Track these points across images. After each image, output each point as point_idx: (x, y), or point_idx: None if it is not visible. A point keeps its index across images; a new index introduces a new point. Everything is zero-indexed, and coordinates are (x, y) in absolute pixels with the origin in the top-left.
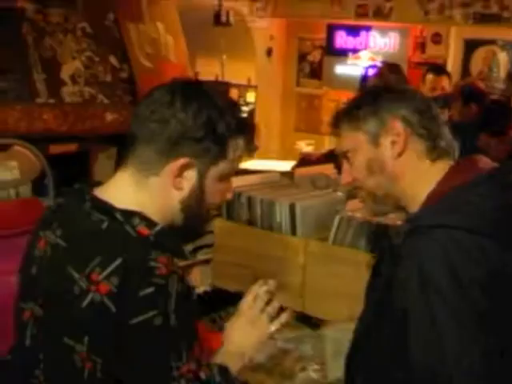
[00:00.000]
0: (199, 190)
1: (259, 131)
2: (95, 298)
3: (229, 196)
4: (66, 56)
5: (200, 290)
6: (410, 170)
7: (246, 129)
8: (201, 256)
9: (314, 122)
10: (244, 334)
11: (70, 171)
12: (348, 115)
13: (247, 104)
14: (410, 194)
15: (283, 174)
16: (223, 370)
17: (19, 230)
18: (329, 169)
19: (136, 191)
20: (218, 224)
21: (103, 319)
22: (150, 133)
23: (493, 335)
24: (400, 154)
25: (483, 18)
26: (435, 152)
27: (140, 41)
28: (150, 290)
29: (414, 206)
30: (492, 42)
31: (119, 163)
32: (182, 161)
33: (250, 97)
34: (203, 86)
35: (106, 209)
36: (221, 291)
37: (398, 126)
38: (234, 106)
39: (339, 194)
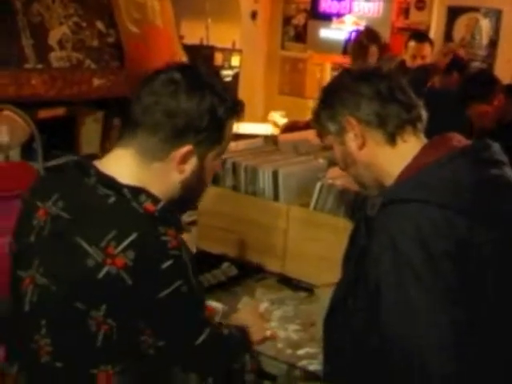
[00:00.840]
0: (199, 171)
1: (243, 95)
2: (111, 270)
3: (218, 169)
4: (54, 21)
5: None
6: (378, 156)
7: (239, 108)
8: (186, 218)
9: (298, 85)
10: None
11: (58, 135)
12: (315, 122)
13: (232, 68)
14: (386, 175)
15: (267, 137)
16: (240, 328)
17: (13, 193)
18: (312, 134)
19: (138, 171)
20: None
21: (120, 290)
22: (155, 122)
23: (462, 307)
24: (363, 146)
25: None
26: (390, 136)
27: (127, 6)
28: (170, 262)
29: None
30: (475, 9)
31: (106, 127)
32: (186, 148)
33: (235, 61)
34: (201, 71)
35: (113, 184)
36: (205, 253)
37: (352, 121)
38: (227, 88)
39: (321, 160)
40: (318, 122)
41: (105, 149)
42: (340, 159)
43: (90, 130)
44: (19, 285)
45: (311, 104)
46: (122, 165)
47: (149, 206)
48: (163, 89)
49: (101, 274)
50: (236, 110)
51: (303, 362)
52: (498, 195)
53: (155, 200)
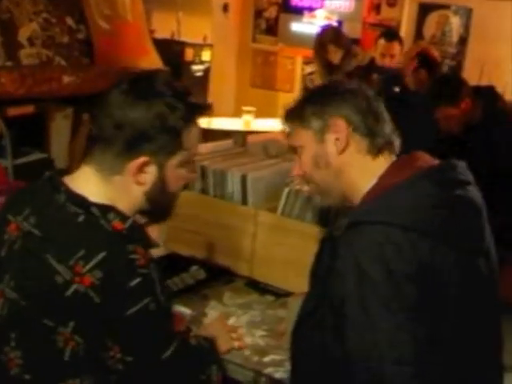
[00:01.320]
0: (160, 181)
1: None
2: (79, 288)
3: (193, 177)
4: (23, 18)
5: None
6: (353, 165)
7: (198, 115)
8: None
9: (270, 78)
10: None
11: (28, 132)
12: (295, 114)
13: (202, 63)
14: (353, 188)
15: (238, 136)
16: (208, 339)
17: None
18: (280, 134)
19: (103, 187)
20: None
21: (87, 308)
22: (107, 137)
23: (422, 326)
24: (343, 151)
25: None
26: (375, 148)
27: (97, 1)
28: (138, 280)
29: (356, 199)
30: (446, 6)
31: (76, 123)
32: (140, 160)
33: (206, 55)
34: (153, 79)
35: (82, 202)
36: (174, 256)
37: (341, 124)
38: (184, 94)
39: (289, 164)
40: (298, 115)
41: (73, 145)
42: (309, 159)
43: (60, 126)
44: None
45: (282, 96)
46: (88, 182)
47: (117, 224)
48: (112, 101)
49: (69, 292)
50: (191, 117)
51: (269, 370)
52: (460, 216)
53: (123, 218)
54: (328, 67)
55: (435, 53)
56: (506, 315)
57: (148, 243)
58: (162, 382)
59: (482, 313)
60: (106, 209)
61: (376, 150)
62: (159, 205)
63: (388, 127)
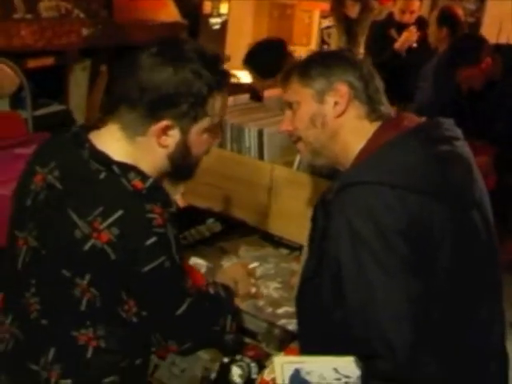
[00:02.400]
0: (183, 145)
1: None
2: (96, 244)
3: (216, 141)
4: None
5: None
6: (347, 129)
7: (225, 83)
8: None
9: (287, 31)
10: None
11: (47, 84)
12: (300, 71)
13: (220, 15)
14: (344, 150)
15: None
16: (226, 287)
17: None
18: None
19: (127, 146)
20: None
21: (104, 263)
22: (132, 98)
23: (416, 279)
24: (341, 114)
25: None
26: (373, 114)
27: None
28: (154, 239)
29: (347, 161)
30: None
31: (93, 74)
32: (163, 123)
33: (223, 8)
34: (181, 45)
35: (104, 160)
36: (191, 208)
37: (343, 89)
38: (213, 61)
39: None
40: (303, 72)
41: (91, 97)
42: (305, 116)
43: (78, 78)
44: (15, 243)
45: (299, 50)
46: (113, 140)
47: (137, 183)
48: (140, 63)
49: (86, 246)
50: (218, 85)
51: (282, 321)
52: (447, 170)
53: (144, 177)
54: (345, 21)
55: (459, 11)
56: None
57: (168, 203)
58: (176, 335)
59: (480, 264)
60: (127, 168)
61: (374, 116)
62: (182, 167)
63: (385, 99)
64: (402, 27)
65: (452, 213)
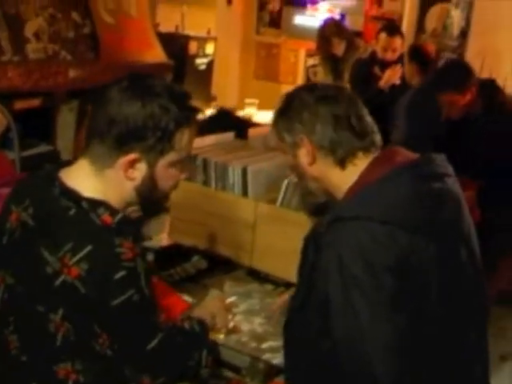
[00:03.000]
0: (150, 178)
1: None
2: (67, 279)
3: (183, 177)
4: (30, 13)
5: (157, 243)
6: (327, 174)
7: (193, 118)
8: None
9: (273, 70)
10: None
11: (34, 125)
12: (273, 127)
13: (206, 56)
14: (335, 188)
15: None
16: (201, 322)
17: None
18: None
19: (95, 180)
20: None
21: (75, 298)
22: (103, 132)
23: (403, 314)
24: (312, 163)
25: None
26: (343, 160)
27: None
28: (122, 273)
29: (342, 194)
30: (447, 0)
31: (80, 115)
32: (131, 156)
33: (209, 48)
34: (151, 80)
35: (73, 197)
36: (176, 245)
37: (306, 142)
38: (181, 97)
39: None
40: (275, 128)
41: (79, 137)
42: (292, 168)
43: (66, 119)
44: None
45: (285, 88)
46: (83, 175)
47: (106, 218)
48: (110, 97)
49: (58, 282)
50: (185, 120)
51: (267, 355)
52: (438, 208)
53: (113, 212)
54: (331, 59)
55: (429, 47)
56: (500, 304)
57: (138, 237)
58: (149, 369)
59: (466, 300)
60: (96, 203)
61: (340, 163)
62: (149, 200)
63: (367, 125)
64: (385, 65)
65: (440, 250)
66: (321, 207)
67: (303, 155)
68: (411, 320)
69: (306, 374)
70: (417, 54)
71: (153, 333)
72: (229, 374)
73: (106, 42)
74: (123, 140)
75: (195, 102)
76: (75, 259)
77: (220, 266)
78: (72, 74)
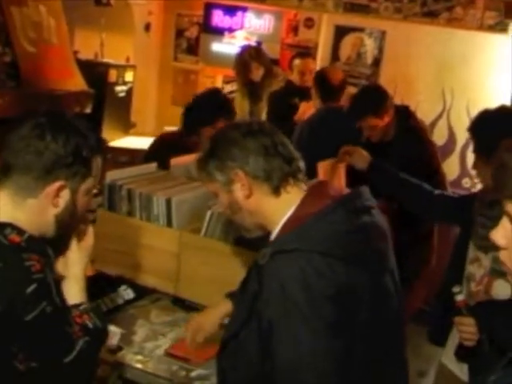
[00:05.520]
0: (72, 204)
1: (136, 109)
2: None
3: (90, 205)
4: None
5: None
6: (264, 205)
7: (101, 147)
8: None
9: (191, 96)
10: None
11: None
12: (202, 168)
13: (125, 83)
14: (270, 221)
15: None
16: (97, 311)
17: None
18: None
19: (12, 209)
20: (100, 214)
21: None
22: (27, 163)
23: (341, 340)
24: (249, 196)
25: (353, 8)
26: (278, 188)
27: (23, 25)
28: (34, 286)
29: (272, 227)
30: (360, 29)
31: (1, 145)
32: (57, 184)
33: (129, 76)
34: (65, 116)
35: None
36: (102, 275)
37: (240, 175)
38: (91, 128)
39: None
40: (205, 170)
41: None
42: (226, 206)
43: None
44: None
45: None
46: None
47: (14, 237)
48: (31, 132)
49: None
50: (98, 147)
51: (196, 383)
52: (369, 240)
53: (20, 232)
54: (249, 85)
55: (337, 75)
56: (417, 321)
57: (46, 253)
58: (69, 381)
59: (390, 323)
60: (2, 225)
61: (275, 190)
62: (65, 228)
63: (289, 154)
64: (304, 92)
65: (371, 277)
66: (245, 239)
67: (238, 190)
68: (346, 345)
69: None
70: (320, 81)
71: (70, 346)
72: None
73: (26, 71)
74: (50, 169)
75: (115, 129)
76: None
77: (146, 295)
78: None
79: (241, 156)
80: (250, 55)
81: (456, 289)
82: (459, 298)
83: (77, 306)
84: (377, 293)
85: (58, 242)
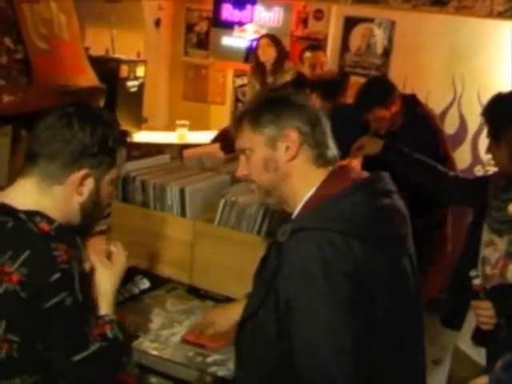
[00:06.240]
0: (96, 194)
1: (148, 104)
2: (9, 287)
3: (113, 195)
4: None
5: None
6: (298, 173)
7: (126, 138)
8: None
9: (202, 91)
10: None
11: None
12: (250, 118)
13: (137, 78)
14: (294, 193)
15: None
16: (121, 326)
17: None
18: (215, 148)
19: (38, 196)
20: (115, 206)
21: (17, 305)
22: (54, 151)
23: (358, 317)
24: (292, 159)
25: None
26: (321, 159)
27: (34, 21)
28: (58, 275)
29: (295, 203)
30: (370, 19)
31: (14, 142)
32: (82, 172)
33: (140, 71)
34: (92, 107)
35: (9, 211)
36: None
37: (293, 135)
38: (115, 120)
39: (224, 176)
40: (254, 119)
41: (13, 161)
42: (259, 162)
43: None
44: None
45: (214, 109)
46: (24, 192)
47: (44, 226)
48: (58, 122)
49: (1, 291)
50: (123, 138)
51: (213, 368)
52: (388, 223)
53: (50, 220)
54: (260, 69)
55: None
56: (432, 309)
57: (75, 244)
58: (69, 380)
59: (408, 305)
60: (32, 213)
61: (321, 161)
62: (89, 217)
63: (331, 141)
64: (315, 84)
65: (390, 259)
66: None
67: (282, 149)
68: (364, 324)
69: (261, 377)
70: (316, 84)
71: (83, 345)
72: None
73: (38, 67)
74: (77, 157)
75: (128, 124)
76: (15, 266)
77: (161, 284)
78: (6, 99)
79: (299, 117)
80: (265, 35)
81: (473, 273)
82: (476, 281)
83: (102, 316)
84: (396, 275)
85: (82, 230)
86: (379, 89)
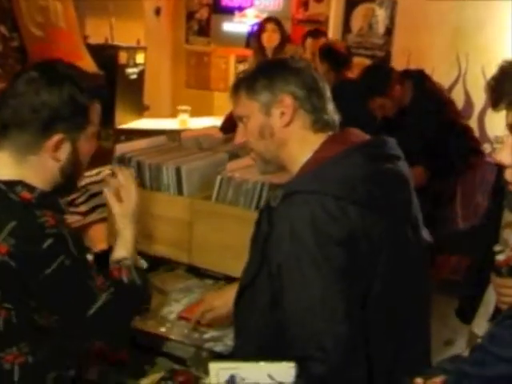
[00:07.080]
0: (74, 155)
1: (151, 93)
2: None
3: (93, 150)
4: None
5: (96, 248)
6: (295, 138)
7: (100, 92)
8: (97, 215)
9: (204, 78)
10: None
11: None
12: (245, 85)
13: (137, 65)
14: (292, 159)
15: (172, 133)
16: (140, 272)
17: None
18: (214, 129)
19: (16, 167)
20: None
21: (8, 274)
22: (23, 120)
23: (352, 285)
24: (287, 124)
25: None
26: (318, 124)
27: (29, 9)
28: (50, 241)
29: (294, 169)
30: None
31: None
32: (56, 138)
33: (140, 58)
34: (57, 67)
35: None
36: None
37: (288, 100)
38: (85, 76)
39: (222, 154)
40: (249, 85)
41: None
42: (255, 129)
43: None
44: None
45: (217, 96)
46: (0, 165)
47: (25, 194)
48: (24, 88)
49: None
50: (95, 94)
51: (209, 344)
52: (388, 187)
53: (31, 189)
54: (262, 52)
55: (340, 46)
56: (444, 292)
57: (60, 209)
58: (94, 334)
59: (410, 278)
60: (12, 183)
61: (318, 126)
62: (71, 177)
63: (331, 105)
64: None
65: (388, 226)
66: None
67: (277, 115)
68: (359, 291)
69: (256, 348)
70: (328, 53)
71: (91, 298)
72: (175, 365)
73: (34, 55)
74: (47, 124)
75: (128, 111)
76: (2, 236)
77: (160, 265)
78: (1, 86)
79: (294, 82)
80: (270, 19)
81: (497, 247)
82: (500, 257)
83: (118, 260)
84: (396, 243)
85: (66, 190)
86: (376, 79)
